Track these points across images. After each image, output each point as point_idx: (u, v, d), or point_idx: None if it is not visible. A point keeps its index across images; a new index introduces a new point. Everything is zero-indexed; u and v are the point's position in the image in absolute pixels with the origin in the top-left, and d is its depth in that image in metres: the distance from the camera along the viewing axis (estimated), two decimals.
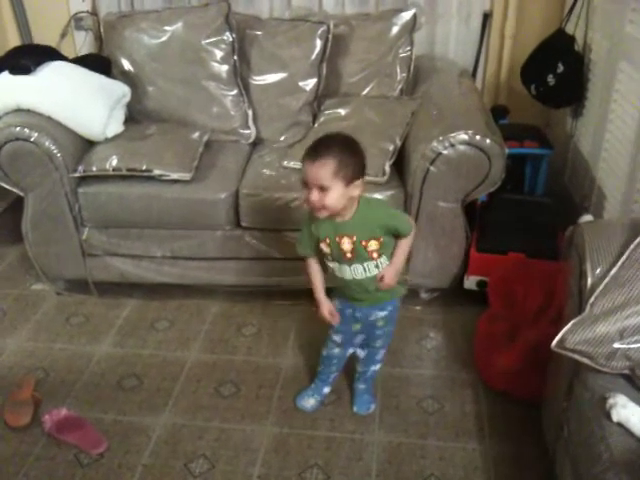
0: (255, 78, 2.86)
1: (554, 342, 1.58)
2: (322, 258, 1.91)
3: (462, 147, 2.29)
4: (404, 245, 1.87)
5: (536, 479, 1.90)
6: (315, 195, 1.70)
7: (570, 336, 1.56)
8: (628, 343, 1.51)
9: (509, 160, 2.40)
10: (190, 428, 2.10)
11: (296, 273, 2.54)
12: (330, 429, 2.09)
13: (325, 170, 1.67)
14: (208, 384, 2.28)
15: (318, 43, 2.77)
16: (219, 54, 2.79)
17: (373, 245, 1.80)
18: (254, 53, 2.84)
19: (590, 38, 2.71)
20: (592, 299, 1.58)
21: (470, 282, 2.53)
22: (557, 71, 2.74)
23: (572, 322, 1.57)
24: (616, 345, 1.51)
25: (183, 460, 1.98)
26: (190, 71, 2.81)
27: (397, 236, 1.85)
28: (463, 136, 2.28)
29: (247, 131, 2.87)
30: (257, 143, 2.89)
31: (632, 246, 1.61)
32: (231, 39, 2.79)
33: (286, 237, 2.49)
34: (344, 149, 1.71)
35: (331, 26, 2.77)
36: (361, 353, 2.12)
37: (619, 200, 2.36)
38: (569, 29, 2.81)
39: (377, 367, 2.15)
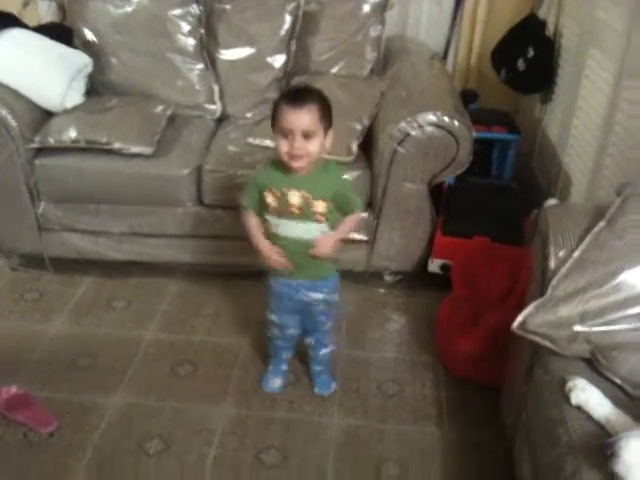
0: (222, 53, 2.78)
1: (515, 324, 1.56)
2: (262, 213, 1.86)
3: (430, 128, 2.26)
4: (348, 221, 1.85)
5: (494, 464, 1.88)
6: (300, 142, 1.67)
7: (531, 318, 1.54)
8: (589, 326, 1.49)
9: (476, 144, 2.37)
10: (144, 408, 2.04)
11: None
12: (288, 411, 2.05)
13: (312, 115, 1.66)
14: (164, 364, 2.22)
15: (288, 19, 2.71)
16: (186, 27, 2.72)
17: (320, 206, 1.78)
18: (222, 27, 2.76)
19: (561, 24, 2.70)
20: (554, 281, 1.56)
21: (434, 265, 2.50)
22: (527, 56, 2.72)
23: (534, 304, 1.56)
24: (577, 328, 1.49)
25: (137, 440, 1.93)
26: (155, 43, 2.73)
27: (344, 213, 1.84)
28: (431, 117, 2.25)
29: (213, 107, 2.80)
30: (222, 119, 2.82)
31: (595, 229, 1.58)
32: (198, 12, 2.72)
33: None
34: (323, 97, 1.73)
35: (301, 2, 2.71)
36: (309, 340, 2.09)
37: (585, 186, 2.35)
38: (541, 14, 2.79)
39: (328, 349, 2.11)
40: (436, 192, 2.50)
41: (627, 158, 2.04)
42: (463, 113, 2.37)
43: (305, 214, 1.78)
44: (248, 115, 2.78)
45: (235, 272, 2.61)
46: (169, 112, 2.62)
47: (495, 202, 2.52)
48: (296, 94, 1.71)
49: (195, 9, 2.71)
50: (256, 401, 2.08)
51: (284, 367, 2.16)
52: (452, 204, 2.54)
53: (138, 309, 2.49)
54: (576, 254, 1.57)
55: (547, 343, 1.53)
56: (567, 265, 1.56)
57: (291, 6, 2.70)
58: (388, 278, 2.62)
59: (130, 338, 2.33)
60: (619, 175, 2.08)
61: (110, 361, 2.23)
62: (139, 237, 2.54)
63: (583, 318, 1.50)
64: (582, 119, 2.43)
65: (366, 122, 2.46)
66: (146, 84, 2.76)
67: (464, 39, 3.21)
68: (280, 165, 1.78)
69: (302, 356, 2.19)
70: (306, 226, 1.80)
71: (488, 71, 3.08)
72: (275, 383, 2.13)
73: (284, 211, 1.80)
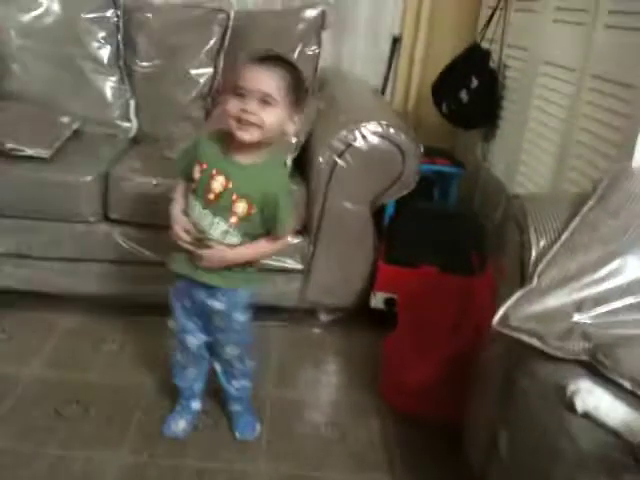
0: (141, 64, 2.49)
1: (496, 319, 1.25)
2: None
3: (374, 139, 2.03)
4: (262, 244, 1.52)
5: None
6: (255, 106, 1.35)
7: (514, 312, 1.24)
8: (587, 318, 1.21)
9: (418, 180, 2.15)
10: (16, 455, 1.59)
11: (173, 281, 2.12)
12: (202, 458, 1.63)
13: (278, 81, 1.35)
14: (47, 404, 1.77)
15: (216, 30, 2.47)
16: (100, 33, 2.44)
17: (240, 207, 1.44)
18: (142, 36, 2.48)
19: (506, 54, 2.56)
20: (539, 269, 1.28)
21: (377, 300, 2.19)
22: (471, 86, 2.55)
23: (516, 296, 1.26)
24: (574, 319, 1.20)
25: None
26: (64, 49, 2.42)
27: (267, 231, 1.51)
28: (376, 127, 2.03)
29: (127, 124, 2.49)
30: (138, 138, 2.49)
31: (585, 209, 1.34)
32: (115, 18, 2.45)
33: (164, 236, 2.07)
34: (301, 75, 1.42)
35: (231, 14, 2.48)
36: (217, 367, 1.71)
37: None
38: (484, 45, 2.66)
39: (243, 384, 1.72)
40: (376, 221, 2.24)
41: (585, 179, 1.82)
42: (409, 128, 2.15)
43: (219, 207, 1.45)
44: (167, 135, 2.46)
45: (145, 304, 2.19)
46: (76, 125, 2.29)
47: (442, 229, 2.26)
48: (269, 54, 1.39)
49: (112, 14, 2.44)
50: (161, 447, 1.66)
51: (195, 405, 1.75)
52: (396, 230, 2.27)
53: (20, 343, 2.04)
54: (564, 236, 1.31)
55: (534, 341, 1.21)
56: (554, 250, 1.30)
57: (220, 17, 2.47)
58: (324, 317, 2.28)
59: (6, 376, 1.88)
60: None
61: None
62: (27, 260, 2.12)
63: (579, 308, 1.21)
64: (535, 142, 2.24)
65: (301, 137, 2.20)
66: (50, 93, 2.41)
67: (401, 79, 3.05)
68: (223, 139, 1.46)
69: (220, 397, 1.79)
70: (214, 220, 1.47)
71: (426, 111, 2.93)
72: (179, 425, 1.71)
73: (202, 194, 1.47)
